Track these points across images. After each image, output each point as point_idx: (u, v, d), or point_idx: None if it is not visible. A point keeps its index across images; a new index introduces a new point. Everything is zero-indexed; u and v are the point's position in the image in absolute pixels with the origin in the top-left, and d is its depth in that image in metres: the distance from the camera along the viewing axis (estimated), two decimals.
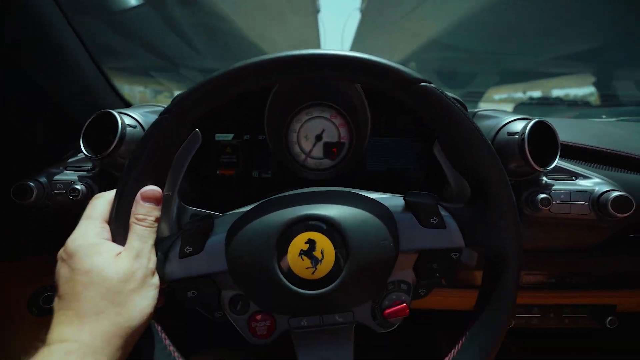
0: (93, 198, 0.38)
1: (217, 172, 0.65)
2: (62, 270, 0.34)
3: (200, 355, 0.38)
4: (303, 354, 0.38)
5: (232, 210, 0.42)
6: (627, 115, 1.11)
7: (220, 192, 0.65)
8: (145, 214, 0.36)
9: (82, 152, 0.50)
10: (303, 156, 0.64)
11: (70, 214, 0.50)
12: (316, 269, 0.36)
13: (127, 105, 0.75)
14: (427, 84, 0.35)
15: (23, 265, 0.59)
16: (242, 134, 0.65)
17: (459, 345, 0.36)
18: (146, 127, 0.55)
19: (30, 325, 0.57)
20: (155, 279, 0.36)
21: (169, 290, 0.39)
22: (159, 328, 0.37)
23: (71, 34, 0.65)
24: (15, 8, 0.57)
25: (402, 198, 0.40)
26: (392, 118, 0.64)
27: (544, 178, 0.53)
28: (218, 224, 0.39)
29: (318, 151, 0.64)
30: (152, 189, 0.37)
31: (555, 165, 0.50)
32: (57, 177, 0.53)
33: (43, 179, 0.52)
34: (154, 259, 0.36)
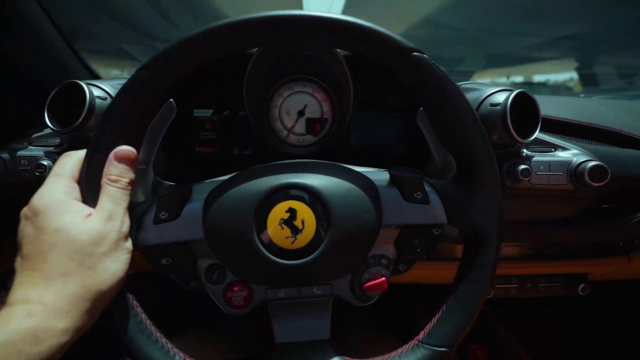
0: (62, 156, 0.36)
1: (197, 149, 0.63)
2: (26, 229, 0.32)
3: (174, 324, 0.37)
4: (279, 325, 0.38)
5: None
6: (606, 94, 1.13)
7: (200, 169, 0.63)
8: (118, 175, 0.34)
9: (47, 126, 0.47)
10: (285, 132, 0.63)
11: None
12: (296, 238, 0.35)
13: (96, 77, 0.71)
14: (420, 54, 0.34)
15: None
16: (221, 109, 0.63)
17: (436, 317, 0.37)
18: None
19: None
20: (129, 244, 0.34)
21: (144, 257, 0.37)
22: (132, 298, 0.35)
23: (33, 3, 0.60)
24: None
25: (387, 172, 0.39)
26: (375, 92, 0.63)
27: (525, 150, 0.53)
28: (196, 191, 0.38)
29: (300, 127, 0.63)
30: (126, 148, 0.35)
31: (536, 138, 0.51)
32: (20, 153, 0.50)
33: (5, 155, 0.49)
34: (127, 222, 0.35)
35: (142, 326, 0.35)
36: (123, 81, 0.58)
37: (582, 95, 1.18)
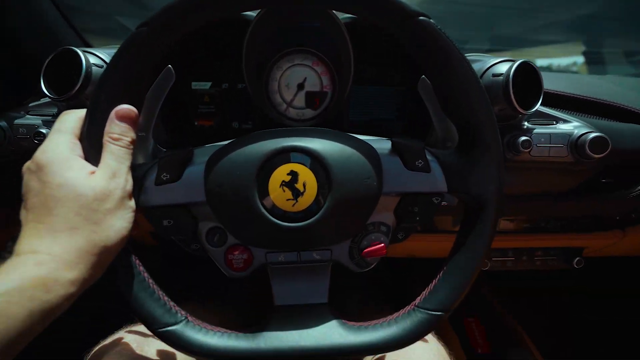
0: (62, 114, 0.36)
1: (195, 123, 0.63)
2: (30, 182, 0.32)
3: (175, 287, 0.38)
4: (279, 288, 0.39)
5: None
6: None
7: (199, 143, 0.63)
8: (120, 133, 0.34)
9: (43, 94, 0.47)
10: (284, 106, 0.62)
11: None
12: (297, 201, 0.35)
13: (89, 46, 0.70)
14: (426, 19, 0.33)
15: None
16: (220, 82, 0.62)
17: (433, 284, 0.38)
18: None
19: None
20: (132, 202, 0.35)
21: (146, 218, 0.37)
22: (135, 257, 0.36)
23: None
24: None
25: (389, 140, 0.39)
26: (375, 66, 0.62)
27: (526, 123, 0.53)
28: (197, 155, 0.38)
29: (300, 101, 0.62)
30: (127, 107, 0.34)
31: (537, 111, 0.50)
32: (18, 121, 0.49)
33: (3, 123, 0.49)
34: (130, 181, 0.35)
35: (145, 284, 0.36)
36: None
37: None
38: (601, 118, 0.56)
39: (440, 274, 0.38)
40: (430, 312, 0.36)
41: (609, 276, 0.97)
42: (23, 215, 0.32)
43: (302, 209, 0.35)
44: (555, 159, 0.51)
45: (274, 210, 0.35)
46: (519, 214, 0.58)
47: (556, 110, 0.57)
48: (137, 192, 0.36)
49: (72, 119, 0.35)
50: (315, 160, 0.36)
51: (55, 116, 0.51)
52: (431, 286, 0.38)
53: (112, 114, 0.34)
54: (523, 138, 0.49)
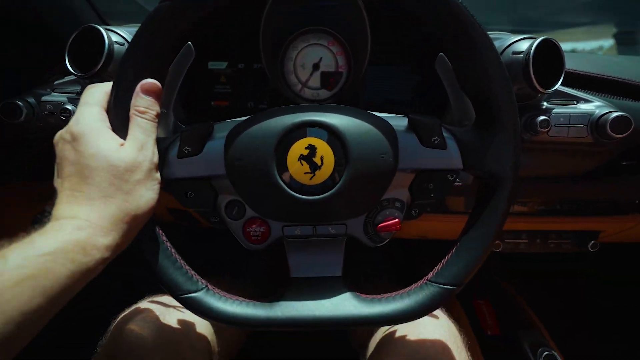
0: (88, 87, 0.37)
1: (212, 103, 0.64)
2: (66, 152, 0.34)
3: (194, 261, 0.40)
4: (294, 260, 0.40)
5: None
6: None
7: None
8: (146, 106, 0.35)
9: (68, 71, 0.48)
10: (299, 86, 0.62)
11: None
12: (314, 174, 0.36)
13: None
14: None
15: (21, 189, 0.59)
16: (236, 62, 0.62)
17: (445, 259, 0.38)
18: None
19: None
20: (158, 174, 0.36)
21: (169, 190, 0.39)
22: (158, 228, 0.38)
23: None
24: None
25: (405, 118, 0.39)
26: (392, 44, 0.61)
27: (545, 103, 0.52)
28: (217, 130, 0.39)
29: (315, 81, 0.62)
30: (152, 81, 0.36)
31: (558, 90, 0.49)
32: (45, 98, 0.51)
33: (31, 100, 0.51)
34: (157, 153, 0.36)
35: (168, 253, 0.37)
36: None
37: None
38: (625, 98, 0.55)
39: (453, 250, 0.38)
40: (442, 285, 0.37)
41: (624, 263, 0.96)
42: (58, 183, 0.34)
43: (319, 183, 0.36)
44: (575, 139, 0.50)
45: (292, 183, 0.36)
46: (534, 196, 0.58)
47: (577, 90, 0.55)
48: (160, 164, 0.37)
49: (99, 91, 0.36)
50: (333, 135, 0.36)
51: (80, 93, 0.53)
52: (444, 261, 0.38)
53: (138, 87, 0.35)
54: (541, 118, 0.48)
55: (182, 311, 0.51)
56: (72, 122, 0.34)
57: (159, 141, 0.38)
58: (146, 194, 0.34)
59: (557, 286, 1.01)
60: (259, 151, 0.36)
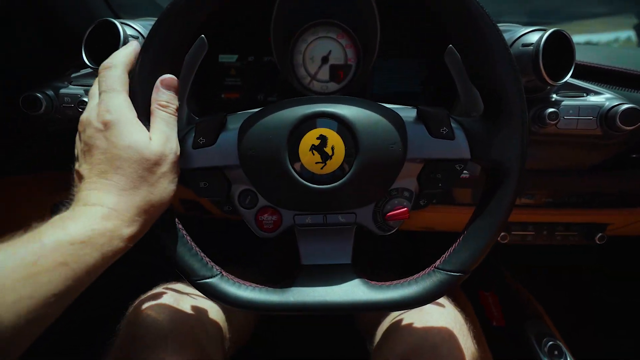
0: (104, 69, 0.37)
1: (222, 95, 0.65)
2: (97, 140, 0.34)
3: (207, 251, 0.41)
4: (305, 248, 0.41)
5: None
6: None
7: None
8: (167, 101, 0.37)
9: (84, 65, 0.49)
10: (308, 79, 0.63)
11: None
12: (325, 164, 0.37)
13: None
14: None
15: (40, 179, 0.61)
16: (246, 55, 0.63)
17: (453, 248, 0.39)
18: None
19: None
20: (177, 166, 0.37)
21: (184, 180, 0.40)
22: (176, 218, 0.39)
23: None
24: None
25: (414, 109, 0.40)
26: (400, 36, 0.61)
27: (555, 95, 0.52)
28: (230, 121, 0.40)
29: (324, 74, 0.63)
30: (171, 76, 0.37)
31: (567, 82, 0.49)
32: (63, 91, 0.53)
33: (50, 92, 0.52)
34: (179, 145, 0.38)
35: (184, 241, 0.39)
36: (153, 22, 0.60)
37: None
38: (636, 90, 0.54)
39: (460, 238, 0.39)
40: (449, 272, 0.38)
41: (630, 258, 0.95)
42: (85, 168, 0.35)
43: (329, 172, 0.37)
44: (584, 131, 0.50)
45: (303, 173, 0.37)
46: (542, 189, 0.58)
47: (588, 82, 0.55)
48: None
49: (119, 75, 0.36)
50: (343, 126, 0.37)
51: None
52: (451, 249, 0.39)
53: (158, 82, 0.36)
54: (550, 110, 0.49)
55: (195, 298, 0.53)
56: (104, 111, 0.35)
57: None
58: (169, 186, 0.36)
59: (563, 282, 1.01)
60: (271, 142, 0.37)
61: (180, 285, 0.54)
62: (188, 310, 0.51)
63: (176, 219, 0.40)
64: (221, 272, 0.40)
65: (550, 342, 0.70)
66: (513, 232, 0.63)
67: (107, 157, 0.34)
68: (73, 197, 0.35)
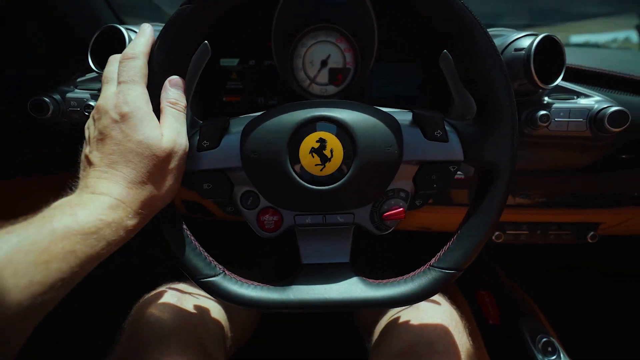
0: (127, 59, 0.37)
1: (224, 98, 0.66)
2: (112, 130, 0.35)
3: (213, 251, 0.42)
4: (305, 248, 0.43)
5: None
6: None
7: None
8: (176, 98, 0.38)
9: (90, 69, 0.51)
10: (308, 82, 0.65)
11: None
12: (325, 166, 0.38)
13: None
14: None
15: (41, 181, 0.62)
16: (247, 59, 0.65)
17: (447, 246, 0.40)
18: None
19: None
20: (184, 163, 0.39)
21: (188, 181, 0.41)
22: (180, 218, 0.40)
23: None
24: None
25: (410, 112, 0.42)
26: (398, 41, 0.63)
27: (546, 98, 0.54)
28: (233, 125, 0.42)
29: (323, 77, 0.64)
30: (177, 77, 0.38)
31: (558, 85, 0.51)
32: (69, 95, 0.54)
33: (57, 96, 0.53)
34: (188, 143, 0.39)
35: (188, 240, 0.40)
36: (158, 28, 0.62)
37: None
38: (625, 93, 0.56)
39: (454, 237, 0.41)
40: (444, 270, 0.39)
41: (623, 255, 0.97)
42: (96, 155, 0.35)
43: (329, 174, 0.39)
44: (574, 133, 0.51)
45: (304, 174, 0.39)
46: (535, 189, 0.60)
47: (578, 85, 0.57)
48: None
49: (137, 65, 0.37)
50: (341, 129, 0.39)
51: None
52: (445, 248, 0.41)
53: (166, 82, 0.38)
54: (541, 112, 0.50)
55: (198, 297, 0.54)
56: (121, 102, 0.35)
57: None
58: (174, 184, 0.37)
59: (559, 282, 1.02)
60: (272, 145, 0.39)
61: (183, 284, 0.56)
62: (191, 309, 0.52)
63: (181, 219, 0.41)
64: (224, 271, 0.41)
65: (544, 339, 0.71)
66: (507, 232, 0.64)
67: (120, 148, 0.34)
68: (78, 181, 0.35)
